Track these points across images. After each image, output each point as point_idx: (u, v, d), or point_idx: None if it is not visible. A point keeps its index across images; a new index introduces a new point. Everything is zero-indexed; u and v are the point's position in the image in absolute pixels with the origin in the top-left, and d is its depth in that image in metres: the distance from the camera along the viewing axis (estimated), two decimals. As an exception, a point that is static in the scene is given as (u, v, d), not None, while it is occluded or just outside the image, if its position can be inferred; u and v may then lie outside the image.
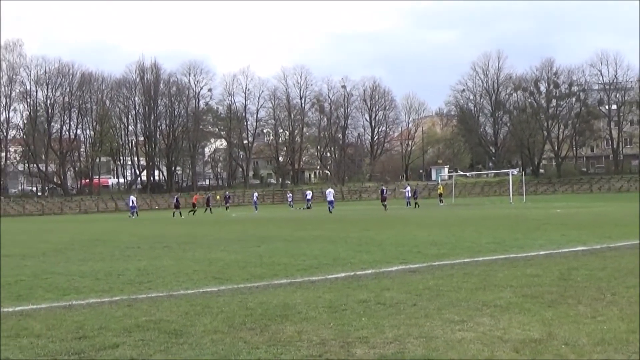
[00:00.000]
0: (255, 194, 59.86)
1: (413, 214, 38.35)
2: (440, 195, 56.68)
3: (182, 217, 45.73)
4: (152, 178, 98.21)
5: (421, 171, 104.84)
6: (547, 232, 19.51)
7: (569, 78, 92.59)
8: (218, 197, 59.62)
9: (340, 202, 52.60)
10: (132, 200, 53.86)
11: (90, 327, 7.28)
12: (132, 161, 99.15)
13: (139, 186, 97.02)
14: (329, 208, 45.86)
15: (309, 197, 60.33)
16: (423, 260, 12.96)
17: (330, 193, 48.07)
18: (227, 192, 66.95)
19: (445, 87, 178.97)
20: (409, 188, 53.89)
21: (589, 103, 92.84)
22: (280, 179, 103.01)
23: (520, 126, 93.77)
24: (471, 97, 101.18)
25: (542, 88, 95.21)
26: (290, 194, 70.80)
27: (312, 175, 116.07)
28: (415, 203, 49.30)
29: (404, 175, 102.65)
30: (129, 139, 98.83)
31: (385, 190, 46.34)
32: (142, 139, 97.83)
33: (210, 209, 55.33)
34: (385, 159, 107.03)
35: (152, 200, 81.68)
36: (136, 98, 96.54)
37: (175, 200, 53.23)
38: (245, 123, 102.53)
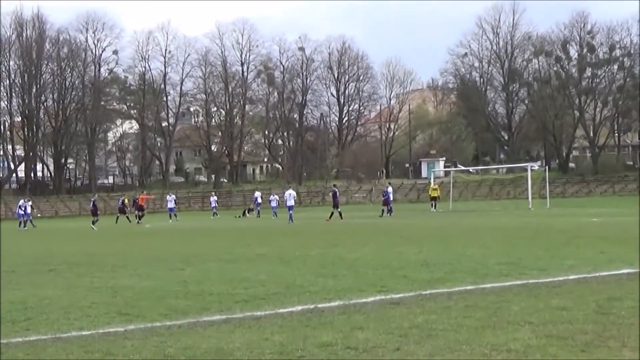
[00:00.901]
0: (172, 197, 59.67)
1: (395, 223, 38.53)
2: (434, 198, 57.05)
3: (95, 228, 45.56)
4: (33, 174, 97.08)
5: (407, 165, 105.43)
6: (580, 248, 19.74)
7: (608, 39, 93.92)
8: (127, 200, 59.25)
9: (296, 207, 52.82)
10: (24, 206, 53.33)
11: (-58, 384, 7.13)
12: (5, 150, 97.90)
13: (14, 185, 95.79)
14: (289, 216, 46.30)
15: (258, 200, 61.20)
16: (410, 288, 13.00)
17: (290, 196, 48.71)
18: (139, 195, 66.62)
19: (441, 50, 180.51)
20: (390, 189, 54.35)
21: (636, 73, 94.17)
22: (213, 176, 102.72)
23: (542, 104, 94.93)
24: (476, 64, 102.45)
25: (573, 52, 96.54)
26: (215, 197, 70.76)
27: (257, 171, 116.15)
28: (383, 210, 49.87)
29: (384, 171, 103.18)
30: (2, 119, 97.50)
31: (337, 193, 47.11)
32: (20, 119, 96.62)
33: (118, 218, 55.17)
34: (359, 148, 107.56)
35: (33, 205, 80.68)
36: (11, 62, 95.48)
37: (92, 205, 52.91)
38: (165, 98, 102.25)
